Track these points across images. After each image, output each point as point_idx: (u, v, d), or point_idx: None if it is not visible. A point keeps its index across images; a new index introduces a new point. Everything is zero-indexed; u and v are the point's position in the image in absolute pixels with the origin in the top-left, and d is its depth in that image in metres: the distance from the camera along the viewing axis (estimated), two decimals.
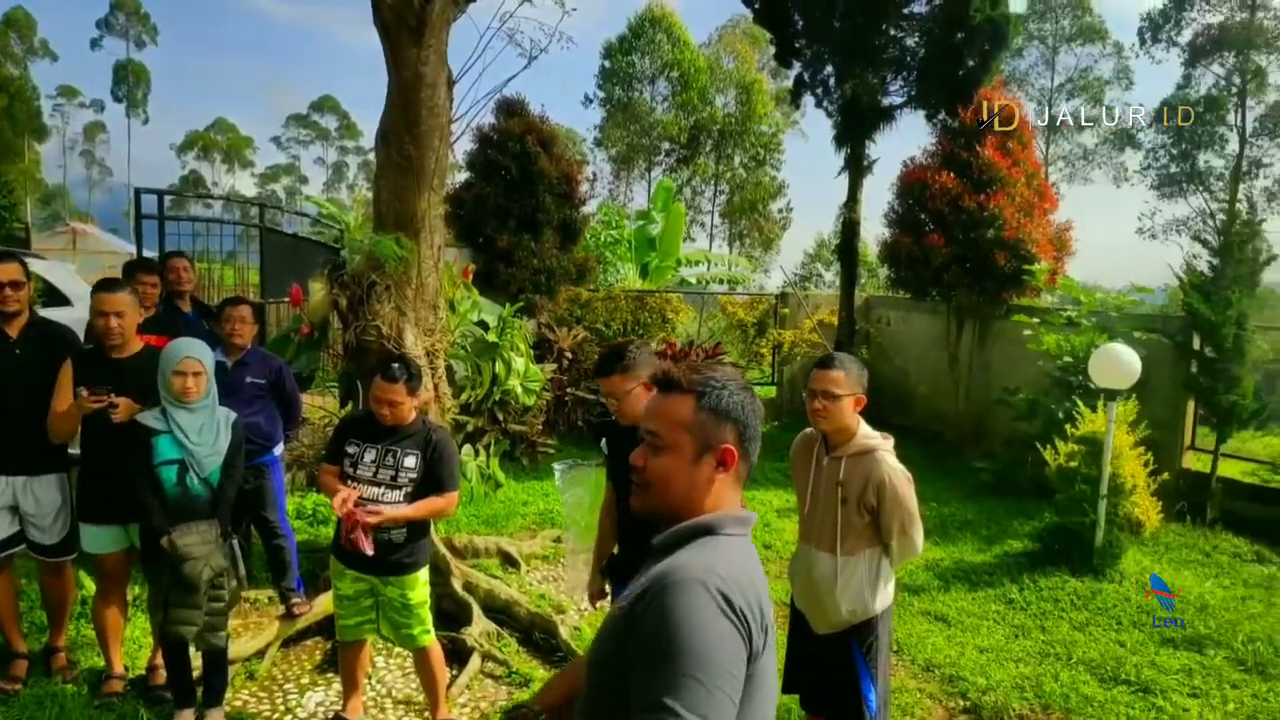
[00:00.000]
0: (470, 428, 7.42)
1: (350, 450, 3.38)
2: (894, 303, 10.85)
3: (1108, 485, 5.82)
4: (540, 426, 8.41)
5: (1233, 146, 31.23)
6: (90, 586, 4.19)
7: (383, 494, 3.32)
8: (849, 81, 9.90)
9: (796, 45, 10.58)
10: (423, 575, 3.53)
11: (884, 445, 2.97)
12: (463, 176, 9.84)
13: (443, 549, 4.89)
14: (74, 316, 5.29)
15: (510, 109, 9.57)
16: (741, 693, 1.29)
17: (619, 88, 33.40)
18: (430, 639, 3.56)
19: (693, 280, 16.52)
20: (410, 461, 3.35)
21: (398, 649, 4.26)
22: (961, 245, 8.70)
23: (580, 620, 4.95)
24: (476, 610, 4.60)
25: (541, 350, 8.84)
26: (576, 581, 4.82)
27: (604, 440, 3.41)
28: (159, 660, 3.78)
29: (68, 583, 3.97)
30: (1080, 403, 6.46)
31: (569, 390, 9.06)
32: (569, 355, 9.16)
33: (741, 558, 1.43)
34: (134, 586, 4.26)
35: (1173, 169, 32.58)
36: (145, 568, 3.57)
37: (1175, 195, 32.84)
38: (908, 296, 9.89)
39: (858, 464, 2.93)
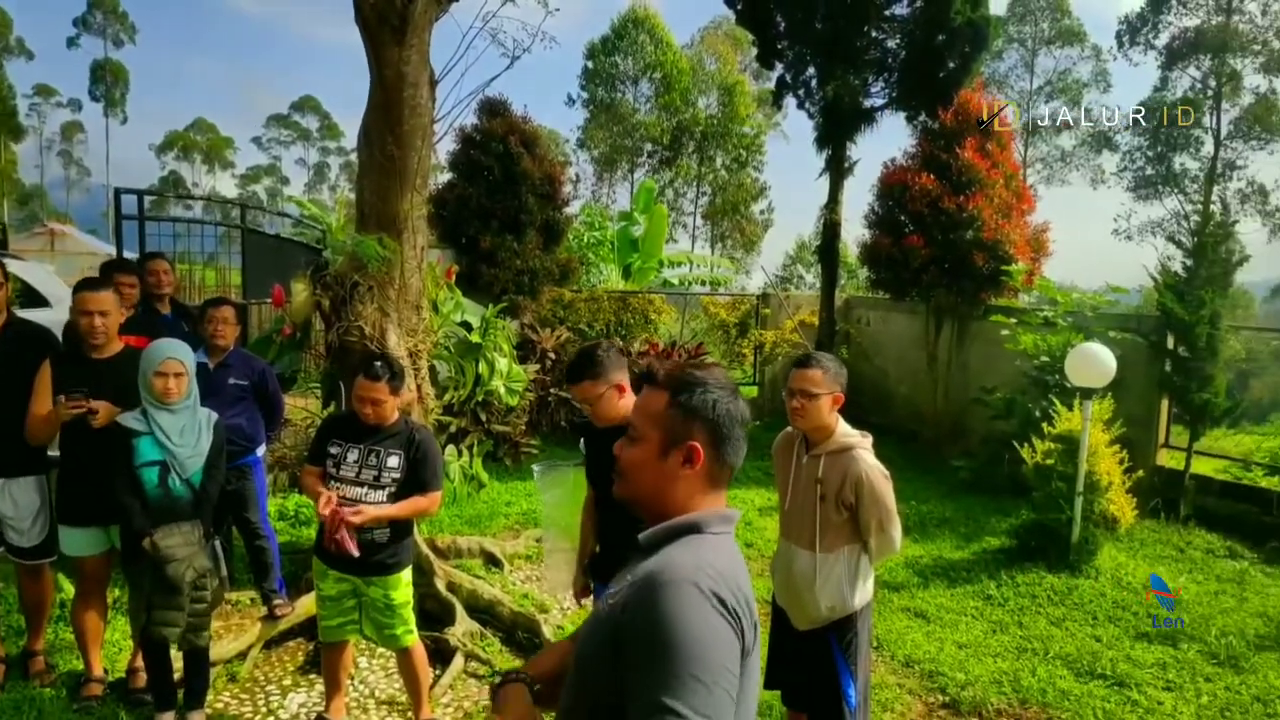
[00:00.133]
0: (453, 428, 7.42)
1: (333, 451, 3.38)
2: (874, 303, 10.94)
3: (1084, 482, 5.90)
4: (523, 427, 8.42)
5: (1207, 149, 31.67)
6: (69, 589, 4.16)
7: (365, 494, 3.33)
8: (831, 83, 9.97)
9: (778, 46, 10.64)
10: (406, 575, 3.53)
11: (862, 443, 3.01)
12: (445, 177, 9.82)
13: (426, 549, 4.89)
14: (53, 318, 5.24)
15: (493, 109, 9.57)
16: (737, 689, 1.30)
17: (602, 89, 33.40)
18: (413, 639, 3.56)
19: (675, 281, 16.55)
20: (393, 461, 3.36)
21: (380, 649, 4.26)
22: (940, 246, 8.78)
23: (564, 619, 4.97)
24: (460, 610, 4.60)
25: (525, 351, 8.85)
26: (558, 581, 4.83)
27: (582, 440, 3.43)
28: (139, 663, 3.76)
29: (46, 586, 3.94)
30: (1057, 401, 6.55)
31: (552, 391, 9.07)
32: (552, 356, 9.17)
33: (728, 556, 1.45)
34: (114, 589, 4.23)
35: (1149, 171, 32.98)
36: (126, 570, 3.55)
37: (1151, 197, 33.25)
38: (887, 297, 9.97)
39: (836, 461, 2.97)
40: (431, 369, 5.19)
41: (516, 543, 6.07)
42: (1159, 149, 32.40)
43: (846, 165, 10.56)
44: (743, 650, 1.33)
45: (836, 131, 10.35)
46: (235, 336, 4.48)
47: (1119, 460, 6.41)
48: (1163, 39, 31.17)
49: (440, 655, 4.29)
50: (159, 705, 3.51)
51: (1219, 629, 5.05)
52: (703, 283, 18.02)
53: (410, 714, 3.76)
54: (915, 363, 9.82)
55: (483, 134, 9.40)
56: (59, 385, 3.50)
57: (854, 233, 10.94)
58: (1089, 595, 5.51)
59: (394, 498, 3.35)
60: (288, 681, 4.13)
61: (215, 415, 3.57)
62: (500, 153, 9.25)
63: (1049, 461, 6.19)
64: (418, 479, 3.39)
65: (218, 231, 8.88)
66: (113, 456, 3.34)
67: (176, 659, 3.56)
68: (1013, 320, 8.14)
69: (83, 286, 3.64)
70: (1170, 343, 7.33)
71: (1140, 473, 6.61)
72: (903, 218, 9.25)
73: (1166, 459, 7.65)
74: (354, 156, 5.04)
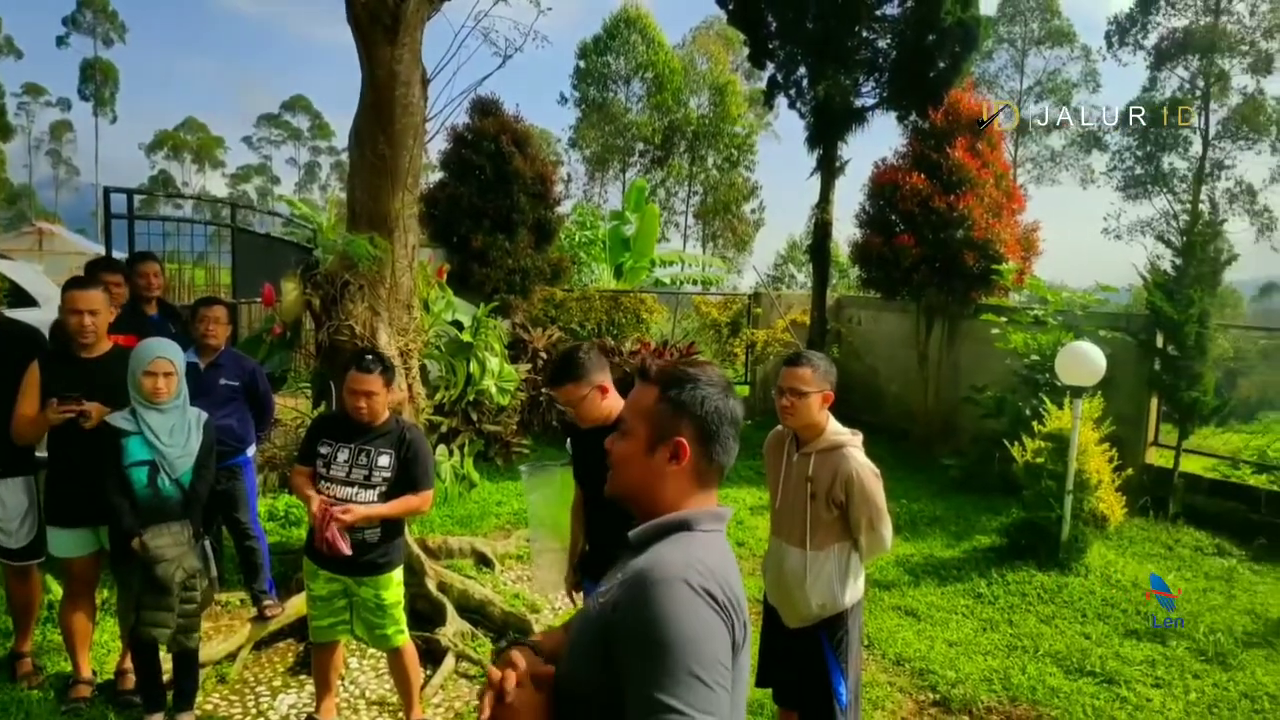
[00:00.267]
0: (445, 428, 7.40)
1: (323, 451, 3.37)
2: (864, 302, 10.97)
3: (1073, 481, 5.93)
4: (515, 426, 8.41)
5: (1196, 149, 31.84)
6: (57, 591, 4.14)
7: (356, 494, 3.32)
8: (822, 83, 9.97)
9: (770, 46, 10.65)
10: (397, 575, 3.53)
11: (852, 441, 3.02)
12: (437, 176, 9.82)
13: (416, 549, 4.88)
14: (41, 318, 5.21)
15: (485, 108, 9.55)
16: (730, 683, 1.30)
17: (594, 88, 33.34)
18: (404, 639, 3.56)
19: (667, 280, 16.56)
20: (384, 460, 3.35)
21: (371, 650, 4.25)
22: (931, 245, 8.80)
23: (554, 619, 4.97)
24: (450, 610, 4.60)
25: (516, 350, 8.84)
26: (547, 580, 4.83)
27: (569, 441, 3.44)
28: (128, 664, 3.74)
29: (34, 587, 3.92)
30: (1047, 400, 6.58)
31: (543, 390, 9.05)
32: (544, 355, 9.16)
33: (718, 554, 1.44)
34: (103, 590, 4.21)
35: (1138, 171, 33.13)
36: (115, 571, 3.53)
37: (1140, 197, 33.39)
38: (878, 296, 9.99)
39: (826, 459, 2.98)
40: (422, 368, 5.18)
41: (507, 543, 6.07)
42: (1148, 149, 32.54)
43: (838, 165, 10.57)
44: (733, 645, 1.33)
45: (828, 131, 10.36)
46: (227, 336, 4.46)
47: (1108, 459, 6.45)
48: (1151, 39, 31.33)
49: (431, 655, 4.28)
50: (148, 707, 3.49)
51: (1207, 626, 5.08)
52: (694, 282, 18.03)
53: (401, 714, 3.75)
54: (906, 361, 9.84)
55: (474, 133, 9.38)
56: (47, 385, 3.48)
57: (845, 232, 10.99)
58: (1078, 593, 5.53)
59: (385, 497, 3.34)
60: (277, 682, 4.11)
61: (205, 415, 3.55)
62: (492, 152, 9.24)
63: (1039, 460, 6.21)
64: (409, 477, 3.39)
65: (207, 230, 8.84)
66: (102, 456, 3.32)
67: (166, 660, 3.55)
68: (1003, 319, 8.17)
69: (72, 285, 3.62)
70: (1159, 341, 7.37)
71: (1129, 471, 6.65)
72: (893, 217, 9.27)
73: (1156, 457, 7.69)
74: (345, 156, 5.04)
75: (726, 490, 7.61)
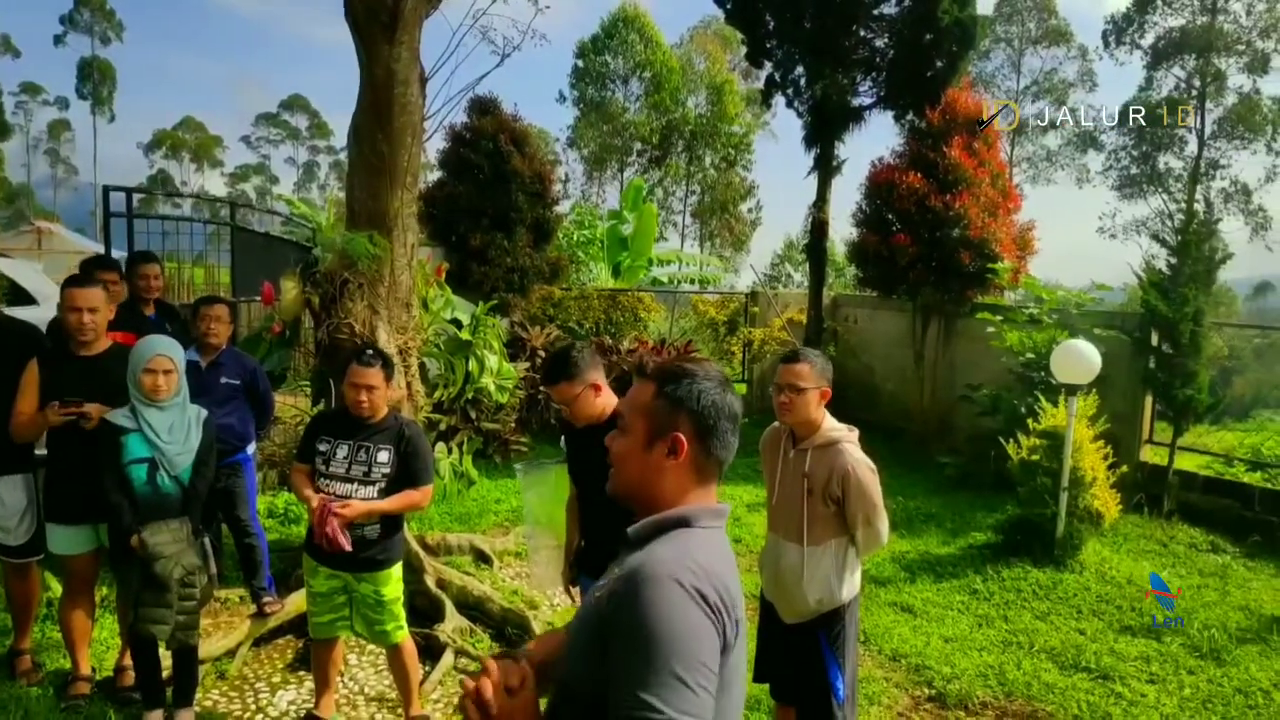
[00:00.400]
0: (443, 426, 7.42)
1: (322, 448, 3.39)
2: (861, 301, 11.00)
3: (1068, 478, 5.95)
4: (513, 424, 8.43)
5: (1191, 148, 31.92)
6: (57, 588, 4.15)
7: (355, 490, 3.33)
8: (819, 82, 10.01)
9: (767, 46, 10.68)
10: (396, 571, 3.54)
11: (848, 437, 3.04)
12: (435, 175, 9.84)
13: (416, 546, 4.90)
14: (40, 316, 5.22)
15: (483, 107, 9.57)
16: (717, 685, 1.30)
17: (592, 87, 33.35)
18: (404, 635, 3.57)
19: (664, 279, 16.58)
20: (383, 457, 3.37)
21: (370, 646, 4.27)
22: (927, 244, 8.83)
23: (553, 615, 4.99)
24: (449, 607, 4.61)
25: (515, 349, 8.86)
26: (545, 577, 4.85)
27: (564, 439, 3.46)
28: (127, 661, 3.75)
29: (33, 584, 3.92)
30: (1042, 398, 6.60)
31: (541, 388, 9.07)
32: (542, 354, 9.17)
33: (715, 551, 1.44)
34: (102, 587, 4.23)
35: (1133, 170, 33.21)
36: (114, 568, 3.54)
37: (1135, 196, 33.49)
38: (874, 295, 10.03)
39: (823, 455, 3.00)
40: (421, 366, 5.19)
41: (506, 539, 6.09)
42: (1144, 148, 32.62)
43: (834, 164, 10.61)
44: (724, 646, 1.33)
45: (825, 130, 10.39)
46: (228, 335, 4.48)
47: (1103, 456, 6.46)
48: (1148, 39, 31.41)
49: (430, 652, 4.30)
50: (147, 704, 3.50)
51: (1201, 622, 5.11)
52: (692, 281, 18.06)
53: (400, 710, 3.76)
54: (902, 360, 9.87)
55: (473, 132, 9.41)
56: (47, 383, 3.48)
57: (842, 231, 11.03)
58: (1073, 589, 5.56)
59: (384, 493, 3.36)
60: (277, 679, 4.13)
61: (205, 412, 3.55)
62: (490, 151, 9.26)
63: (1034, 457, 6.24)
64: (409, 472, 3.40)
65: (206, 229, 8.84)
66: (101, 454, 3.33)
67: (165, 657, 3.55)
68: (999, 318, 8.20)
69: (71, 283, 3.62)
70: (1154, 340, 7.40)
71: (1124, 468, 6.67)
72: (890, 216, 9.29)
73: (1150, 455, 7.72)
74: (344, 155, 5.06)
75: (723, 487, 7.61)
